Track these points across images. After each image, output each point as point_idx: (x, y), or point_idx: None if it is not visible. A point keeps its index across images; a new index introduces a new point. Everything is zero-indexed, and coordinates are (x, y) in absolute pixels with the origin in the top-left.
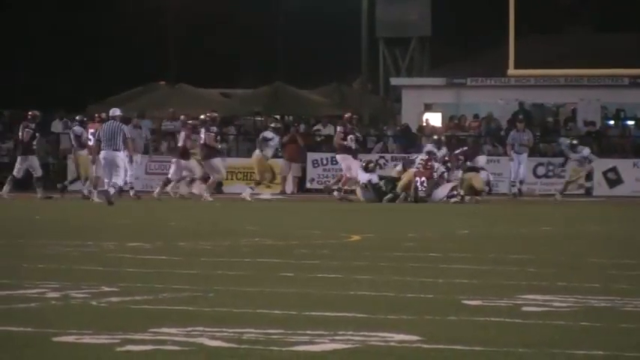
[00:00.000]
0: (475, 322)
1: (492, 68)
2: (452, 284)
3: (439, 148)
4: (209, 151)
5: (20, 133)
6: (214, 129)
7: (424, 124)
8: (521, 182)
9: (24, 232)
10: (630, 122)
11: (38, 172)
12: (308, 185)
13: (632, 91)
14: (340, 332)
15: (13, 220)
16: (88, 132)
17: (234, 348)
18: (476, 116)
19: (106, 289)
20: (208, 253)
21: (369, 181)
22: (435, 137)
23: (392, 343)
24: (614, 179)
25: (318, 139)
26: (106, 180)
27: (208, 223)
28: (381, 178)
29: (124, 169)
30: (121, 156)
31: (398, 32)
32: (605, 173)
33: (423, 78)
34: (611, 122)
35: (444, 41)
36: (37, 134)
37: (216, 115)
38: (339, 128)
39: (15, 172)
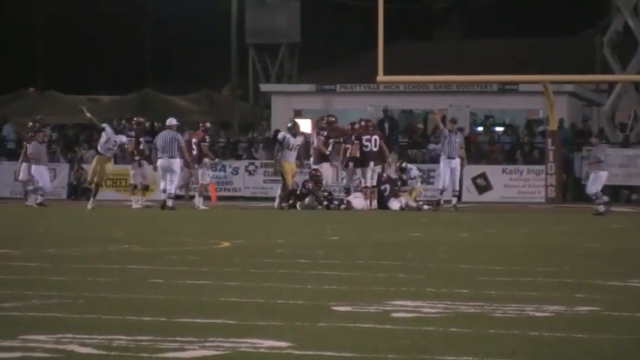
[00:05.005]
0: (345, 328)
1: (362, 75)
2: (321, 290)
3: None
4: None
5: (195, 148)
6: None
7: None
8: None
9: None
10: (499, 128)
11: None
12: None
13: (500, 98)
14: (210, 339)
15: None
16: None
17: (104, 355)
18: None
19: None
20: (77, 260)
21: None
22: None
23: (261, 350)
24: (483, 185)
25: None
26: (161, 186)
27: (77, 230)
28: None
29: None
30: (177, 163)
31: (267, 38)
32: (474, 179)
33: (293, 84)
34: (480, 128)
35: (314, 48)
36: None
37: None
38: (317, 134)
39: (201, 180)
